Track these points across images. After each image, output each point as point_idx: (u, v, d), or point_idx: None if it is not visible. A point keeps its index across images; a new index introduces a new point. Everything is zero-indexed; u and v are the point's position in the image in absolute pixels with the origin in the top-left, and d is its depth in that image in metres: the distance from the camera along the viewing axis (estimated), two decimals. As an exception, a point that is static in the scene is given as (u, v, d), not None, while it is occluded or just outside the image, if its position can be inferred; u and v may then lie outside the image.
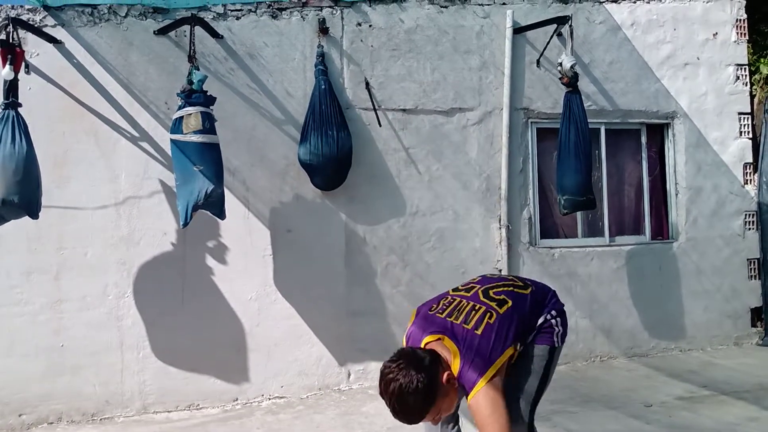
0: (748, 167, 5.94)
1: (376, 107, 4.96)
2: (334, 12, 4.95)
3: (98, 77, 4.49)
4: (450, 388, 2.23)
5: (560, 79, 4.96)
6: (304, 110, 4.71)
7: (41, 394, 4.31)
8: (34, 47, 4.36)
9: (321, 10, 4.91)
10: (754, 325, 5.93)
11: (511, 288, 2.59)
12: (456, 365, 2.26)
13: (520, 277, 2.79)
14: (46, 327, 4.34)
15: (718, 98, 5.87)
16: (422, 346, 2.34)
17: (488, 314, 2.40)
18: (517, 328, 2.43)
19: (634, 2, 5.69)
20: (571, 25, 4.93)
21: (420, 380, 2.10)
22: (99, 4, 4.48)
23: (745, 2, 5.98)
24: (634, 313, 5.58)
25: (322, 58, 4.81)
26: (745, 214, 5.94)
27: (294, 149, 4.75)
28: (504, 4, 5.33)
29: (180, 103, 4.09)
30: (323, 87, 4.70)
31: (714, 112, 5.86)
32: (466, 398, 2.27)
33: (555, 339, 2.61)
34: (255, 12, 4.77)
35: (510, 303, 2.49)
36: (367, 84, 4.96)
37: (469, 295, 2.54)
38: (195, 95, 4.06)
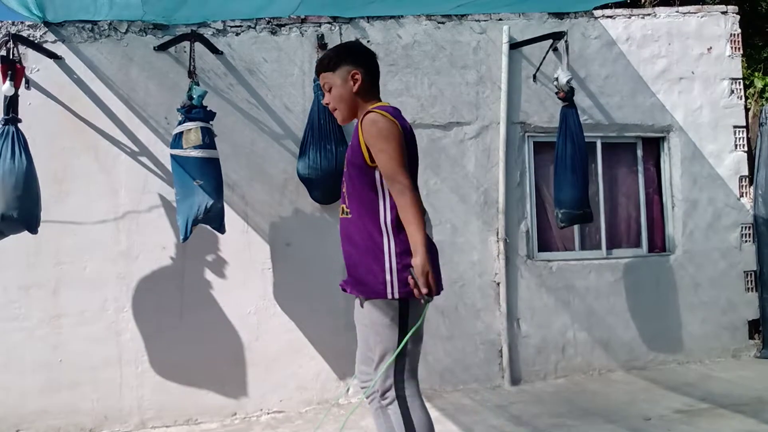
0: (743, 180, 5.98)
1: (375, 122, 4.98)
2: (333, 28, 4.99)
3: (98, 93, 4.51)
4: (350, 80, 2.58)
5: (556, 93, 5.01)
6: (303, 125, 4.74)
7: (39, 409, 4.30)
8: (34, 63, 4.39)
9: (320, 26, 4.95)
10: (751, 338, 5.94)
11: None
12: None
13: None
14: (44, 342, 4.34)
15: (713, 112, 5.92)
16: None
17: None
18: None
19: (629, 17, 5.75)
20: (566, 41, 4.98)
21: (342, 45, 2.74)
22: (99, 20, 4.52)
23: (739, 17, 6.04)
24: (631, 325, 5.60)
25: (320, 73, 4.84)
26: (742, 227, 5.97)
27: (293, 163, 4.77)
28: (500, 19, 5.39)
29: (180, 119, 4.12)
30: (322, 102, 4.73)
31: (709, 126, 5.91)
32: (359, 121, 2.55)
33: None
34: (254, 28, 4.81)
35: None
36: (365, 99, 4.99)
37: None
38: (195, 110, 4.09)
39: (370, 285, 2.51)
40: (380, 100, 2.66)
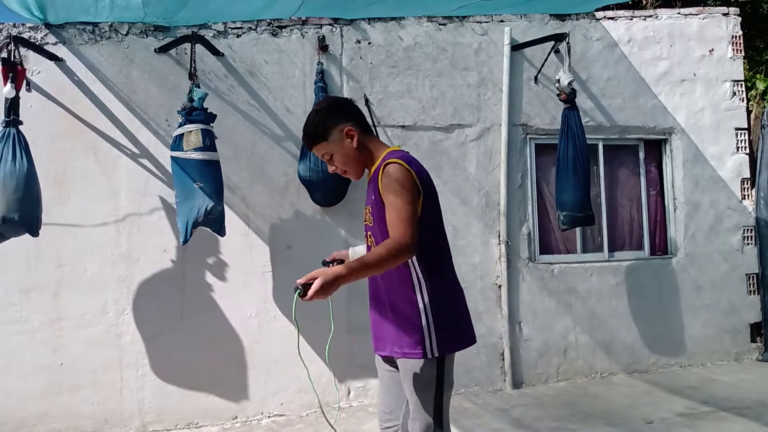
0: (745, 182, 5.97)
1: (376, 124, 4.98)
2: (334, 30, 4.98)
3: (99, 94, 4.51)
4: (346, 139, 2.42)
5: (558, 95, 5.00)
6: (304, 127, 4.73)
7: (39, 412, 4.28)
8: (35, 65, 4.38)
9: (321, 28, 4.95)
10: (753, 341, 5.93)
11: None
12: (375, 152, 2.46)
13: None
14: (44, 345, 4.33)
15: (714, 114, 5.91)
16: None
17: None
18: None
19: (631, 19, 5.74)
20: (568, 42, 4.97)
21: (319, 110, 2.47)
22: (100, 22, 4.51)
23: (740, 19, 6.03)
24: (633, 328, 5.58)
25: (321, 75, 4.84)
26: (744, 229, 5.96)
27: (294, 166, 4.76)
28: (502, 21, 5.38)
29: (180, 121, 4.11)
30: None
31: (711, 128, 5.89)
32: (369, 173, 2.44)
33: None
34: (255, 30, 4.81)
35: None
36: (367, 101, 4.99)
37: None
38: (195, 112, 4.08)
39: (402, 344, 2.39)
40: (380, 143, 2.52)
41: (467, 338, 2.49)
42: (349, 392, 4.86)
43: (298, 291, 2.12)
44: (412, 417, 2.42)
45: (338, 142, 2.43)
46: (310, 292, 2.10)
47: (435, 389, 2.37)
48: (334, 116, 2.43)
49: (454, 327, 2.42)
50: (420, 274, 2.36)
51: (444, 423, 2.42)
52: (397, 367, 2.47)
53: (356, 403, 4.86)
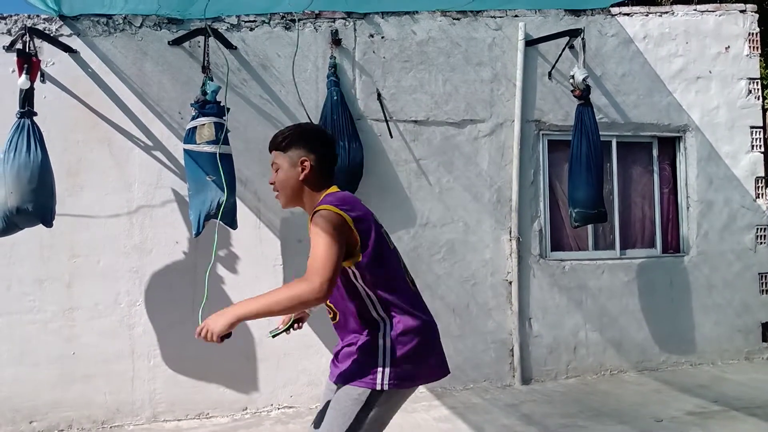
0: (759, 181, 5.92)
1: (388, 118, 4.98)
2: (347, 23, 4.97)
3: (113, 87, 4.52)
4: (298, 167, 2.34)
5: (572, 91, 4.97)
6: (316, 121, 4.73)
7: (52, 401, 4.33)
8: (49, 56, 4.40)
9: (334, 22, 4.94)
10: (765, 340, 5.89)
11: None
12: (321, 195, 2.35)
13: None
14: (57, 335, 4.36)
15: (730, 112, 5.85)
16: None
17: None
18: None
19: (647, 15, 5.69)
20: (583, 38, 4.94)
21: (299, 127, 2.45)
22: (114, 14, 4.52)
23: (757, 16, 5.97)
24: (644, 326, 5.56)
25: (334, 69, 4.83)
26: (757, 228, 5.91)
27: (306, 160, 4.76)
28: (516, 16, 5.34)
29: (193, 114, 4.12)
30: (335, 98, 4.73)
31: (726, 126, 5.85)
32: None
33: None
34: (268, 23, 4.80)
35: None
36: (379, 95, 4.98)
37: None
38: (208, 106, 4.09)
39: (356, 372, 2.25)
40: (327, 192, 2.35)
41: (424, 375, 2.31)
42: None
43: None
44: None
45: (291, 163, 2.34)
46: (205, 335, 2.10)
47: (354, 421, 2.19)
48: (305, 141, 2.36)
49: (402, 362, 2.24)
50: (377, 307, 2.26)
51: None
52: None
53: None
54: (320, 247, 2.09)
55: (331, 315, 2.41)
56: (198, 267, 4.60)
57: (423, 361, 2.29)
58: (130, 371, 4.48)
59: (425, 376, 2.32)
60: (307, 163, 2.33)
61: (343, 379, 2.28)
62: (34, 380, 4.31)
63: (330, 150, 2.42)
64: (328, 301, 2.35)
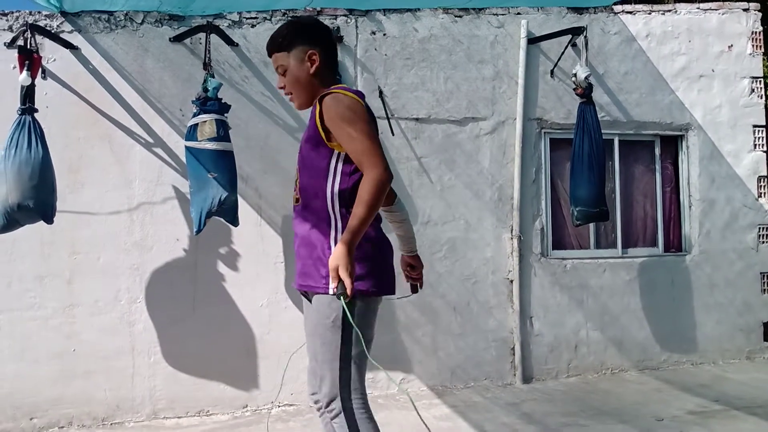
0: (762, 180, 5.91)
1: (389, 116, 4.97)
2: (349, 20, 4.96)
3: (114, 83, 4.51)
4: (306, 62, 2.31)
5: (574, 89, 4.96)
6: (318, 118, 4.72)
7: (53, 398, 4.33)
8: (50, 53, 4.39)
9: (335, 19, 4.92)
10: (766, 340, 5.88)
11: None
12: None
13: None
14: (58, 331, 4.36)
15: (732, 111, 5.84)
16: None
17: None
18: None
19: (649, 13, 5.68)
20: (585, 36, 4.93)
21: (294, 23, 2.39)
22: (115, 11, 4.51)
23: (761, 15, 5.95)
24: (645, 325, 5.55)
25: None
26: (759, 228, 5.90)
27: (307, 157, 4.75)
28: (519, 14, 5.33)
29: (195, 111, 4.11)
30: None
31: (728, 125, 5.83)
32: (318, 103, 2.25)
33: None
34: (270, 20, 4.79)
35: None
36: (381, 92, 4.97)
37: None
38: (210, 102, 4.08)
39: (313, 277, 2.25)
40: (336, 83, 2.38)
41: (384, 286, 2.32)
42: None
43: (341, 295, 2.03)
44: (321, 374, 2.28)
45: (297, 60, 2.31)
46: (347, 284, 2.01)
47: (342, 334, 2.21)
48: (307, 35, 2.32)
49: (369, 273, 2.24)
50: (337, 213, 2.24)
51: (354, 390, 2.25)
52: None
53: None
54: (360, 141, 2.11)
55: (296, 201, 2.43)
56: (198, 264, 4.60)
57: (377, 271, 2.30)
58: (131, 368, 4.47)
59: (382, 288, 2.33)
60: (315, 57, 2.31)
61: (303, 287, 2.36)
62: (34, 377, 4.31)
63: (331, 38, 2.42)
64: (296, 187, 2.38)
